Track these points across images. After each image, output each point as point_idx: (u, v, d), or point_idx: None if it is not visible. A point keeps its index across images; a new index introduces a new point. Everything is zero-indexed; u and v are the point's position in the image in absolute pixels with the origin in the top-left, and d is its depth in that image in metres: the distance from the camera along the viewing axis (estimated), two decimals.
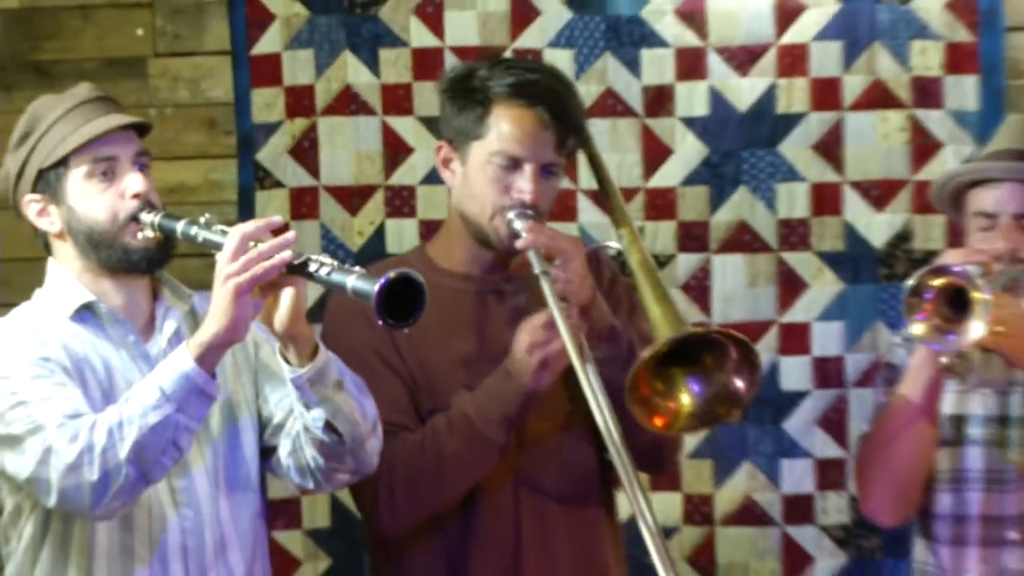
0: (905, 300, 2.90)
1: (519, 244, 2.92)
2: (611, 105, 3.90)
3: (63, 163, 2.75)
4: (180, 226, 2.70)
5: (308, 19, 3.92)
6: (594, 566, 3.04)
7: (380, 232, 3.94)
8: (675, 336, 2.84)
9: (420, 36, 3.92)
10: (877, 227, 3.88)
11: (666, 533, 3.72)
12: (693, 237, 3.91)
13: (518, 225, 2.92)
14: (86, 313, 2.77)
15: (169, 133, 3.91)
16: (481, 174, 2.95)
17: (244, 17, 3.91)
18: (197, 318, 2.80)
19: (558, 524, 2.99)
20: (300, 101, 3.92)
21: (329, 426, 2.67)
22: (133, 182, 2.75)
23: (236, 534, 2.79)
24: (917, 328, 2.90)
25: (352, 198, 3.94)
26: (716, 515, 3.93)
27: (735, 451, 3.91)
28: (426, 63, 3.91)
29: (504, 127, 2.93)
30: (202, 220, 2.69)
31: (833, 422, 3.89)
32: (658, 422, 2.89)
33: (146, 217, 2.73)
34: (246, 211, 3.86)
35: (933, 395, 3.02)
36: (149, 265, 2.77)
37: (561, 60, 3.84)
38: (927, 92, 3.85)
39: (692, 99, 3.89)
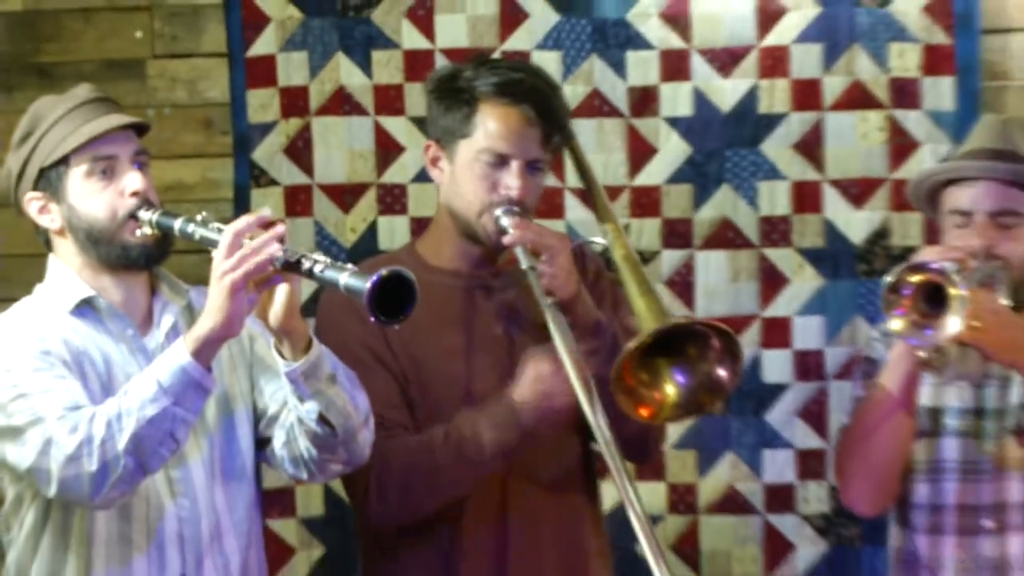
0: (884, 296, 2.90)
1: (506, 240, 2.93)
2: (597, 106, 3.90)
3: (64, 162, 2.77)
4: (177, 223, 2.72)
5: (302, 22, 3.92)
6: (578, 553, 3.05)
7: (372, 229, 3.94)
8: (660, 327, 2.85)
9: (411, 38, 3.92)
10: (856, 224, 3.88)
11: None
12: (677, 234, 3.91)
13: (505, 222, 2.93)
14: (86, 308, 2.79)
15: (167, 133, 3.91)
16: (469, 171, 2.96)
17: (240, 20, 3.90)
18: (194, 313, 2.81)
19: (544, 510, 3.01)
20: (295, 101, 3.92)
21: (322, 418, 2.68)
22: (132, 180, 2.77)
23: (231, 523, 2.82)
24: (895, 324, 2.90)
25: (345, 196, 3.94)
26: (700, 504, 3.93)
27: (718, 442, 3.91)
28: (417, 65, 3.90)
29: (490, 125, 2.95)
30: (199, 218, 2.71)
31: (813, 414, 3.89)
32: (644, 412, 2.90)
33: (144, 215, 2.75)
34: (242, 209, 3.84)
35: (911, 388, 3.02)
36: (147, 261, 2.79)
37: (548, 62, 3.84)
38: (905, 93, 3.85)
39: (676, 100, 3.89)
